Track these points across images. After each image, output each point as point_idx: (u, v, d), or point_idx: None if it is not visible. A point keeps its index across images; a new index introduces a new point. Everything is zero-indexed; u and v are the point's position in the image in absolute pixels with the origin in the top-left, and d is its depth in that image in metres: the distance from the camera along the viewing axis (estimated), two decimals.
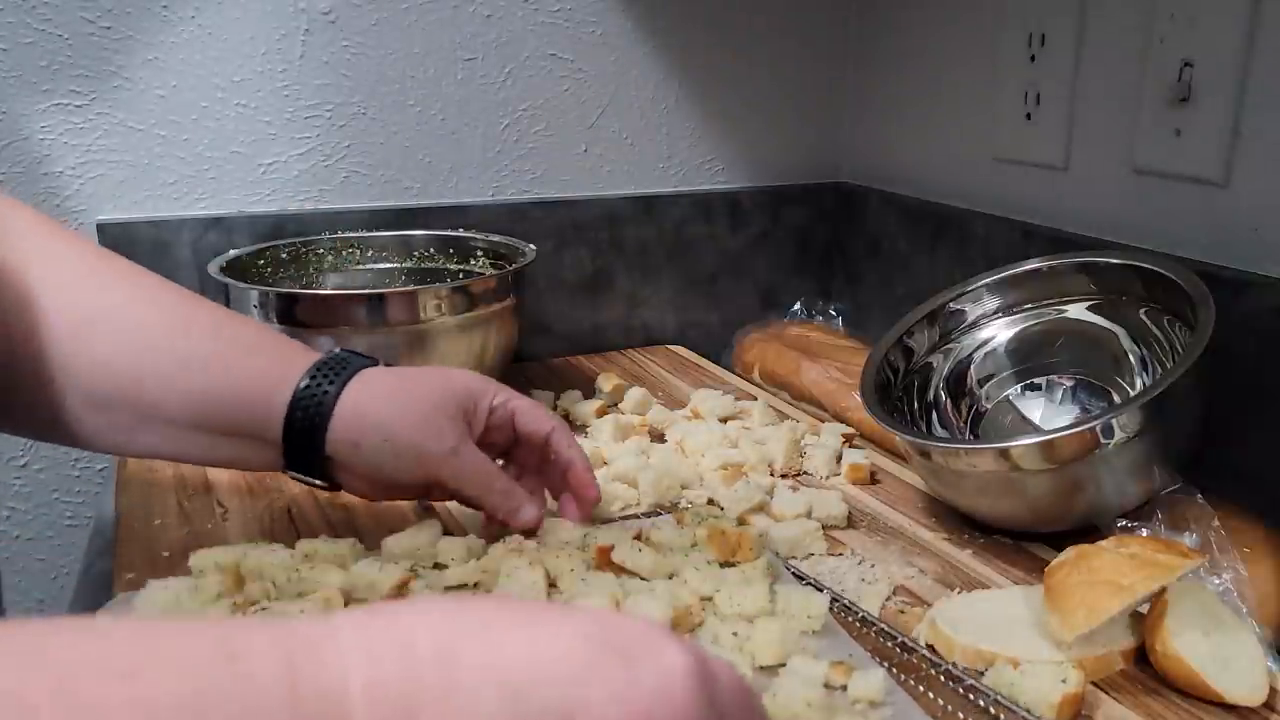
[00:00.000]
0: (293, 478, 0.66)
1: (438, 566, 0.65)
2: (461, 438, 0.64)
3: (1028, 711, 0.54)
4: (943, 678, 0.57)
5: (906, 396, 0.86)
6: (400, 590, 0.59)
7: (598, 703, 0.31)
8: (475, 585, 0.62)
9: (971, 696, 0.56)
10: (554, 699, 0.31)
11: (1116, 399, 0.80)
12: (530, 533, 0.67)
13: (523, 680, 0.31)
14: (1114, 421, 0.66)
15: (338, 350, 0.67)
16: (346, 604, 0.59)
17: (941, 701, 0.55)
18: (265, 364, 0.64)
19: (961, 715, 0.54)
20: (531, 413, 0.70)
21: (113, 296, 0.63)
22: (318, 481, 0.66)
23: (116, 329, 0.62)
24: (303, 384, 0.63)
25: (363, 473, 0.65)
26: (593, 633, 0.33)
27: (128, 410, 0.62)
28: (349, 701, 0.29)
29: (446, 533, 0.69)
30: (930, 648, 0.60)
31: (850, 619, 0.63)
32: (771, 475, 0.84)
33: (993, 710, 0.54)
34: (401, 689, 0.30)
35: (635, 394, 0.96)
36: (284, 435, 0.63)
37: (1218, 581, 0.62)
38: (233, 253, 0.94)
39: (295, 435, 0.63)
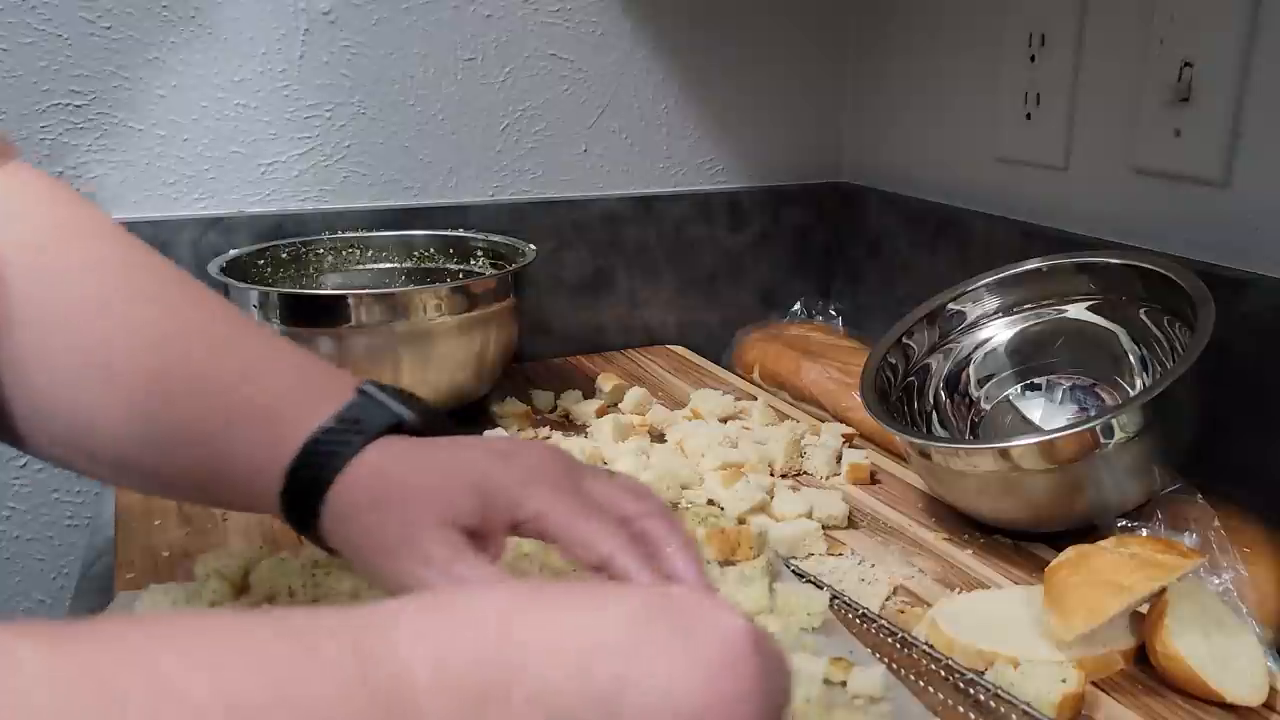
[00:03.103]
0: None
1: None
2: (454, 557, 0.45)
3: (1028, 705, 0.54)
4: (942, 673, 0.57)
5: (906, 396, 0.86)
6: None
7: (662, 672, 0.31)
8: None
9: (971, 691, 0.56)
10: (618, 671, 0.31)
11: (1116, 399, 0.80)
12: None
13: (585, 655, 0.32)
14: (1114, 421, 0.66)
15: (359, 393, 0.52)
16: None
17: (941, 696, 0.55)
18: (259, 435, 0.50)
19: (961, 710, 0.54)
20: (570, 536, 0.46)
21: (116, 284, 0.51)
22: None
23: (80, 354, 0.50)
24: (296, 465, 0.49)
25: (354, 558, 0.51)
26: (652, 604, 0.33)
27: (86, 459, 0.52)
28: (417, 686, 0.30)
29: None
30: (930, 645, 0.60)
31: (850, 616, 0.63)
32: (771, 475, 0.83)
33: (992, 704, 0.54)
34: (467, 671, 0.30)
35: (635, 394, 0.96)
36: (282, 512, 0.50)
37: (1218, 581, 0.62)
38: (233, 253, 0.94)
39: (290, 517, 0.50)
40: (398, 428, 0.51)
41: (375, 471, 0.48)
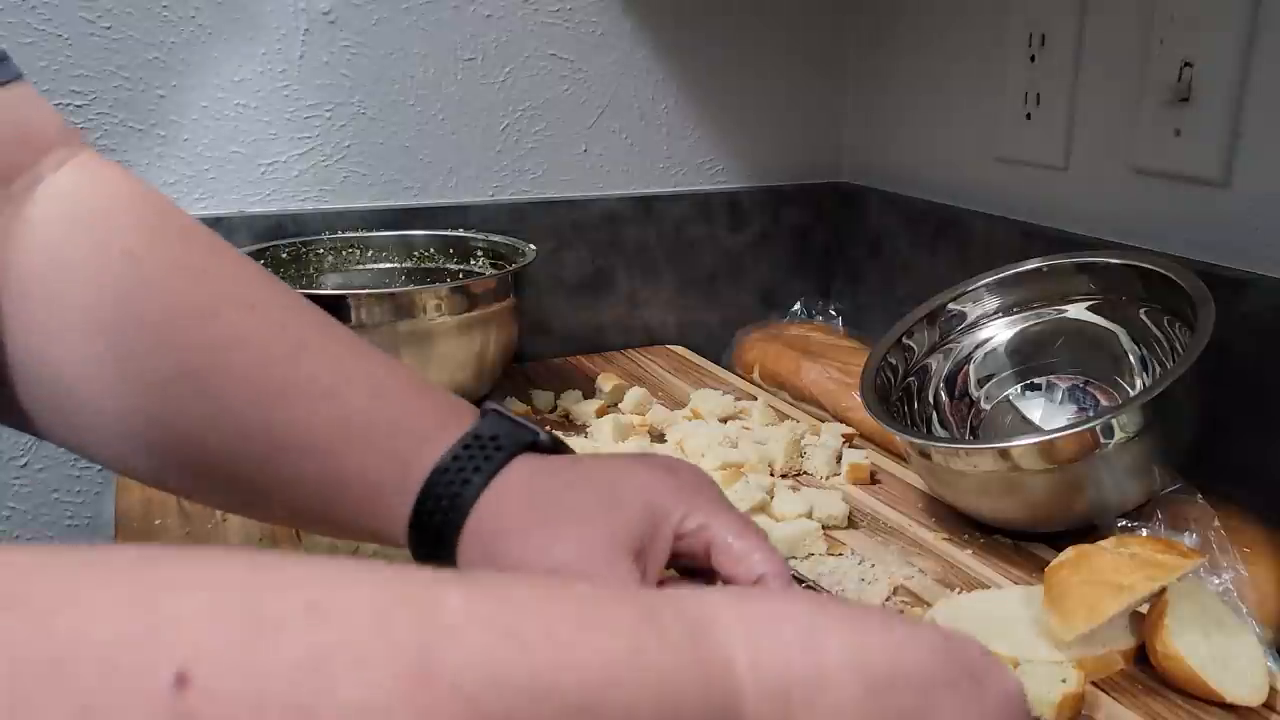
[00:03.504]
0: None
1: None
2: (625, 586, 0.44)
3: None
4: None
5: (906, 396, 0.86)
6: None
7: (949, 710, 0.33)
8: None
9: None
10: (909, 699, 0.32)
11: (1116, 399, 0.80)
12: None
13: (883, 677, 0.32)
14: (1114, 421, 0.66)
15: (487, 415, 0.50)
16: None
17: None
18: (384, 448, 0.48)
19: None
20: (733, 549, 0.47)
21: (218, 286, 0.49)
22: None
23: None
24: (433, 479, 0.47)
25: None
26: (945, 644, 0.34)
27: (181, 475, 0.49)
28: (738, 676, 0.30)
29: None
30: None
31: None
32: (771, 475, 0.83)
33: None
34: (776, 671, 0.31)
35: (635, 394, 0.96)
36: (411, 532, 0.48)
37: (1218, 581, 0.62)
38: None
39: (422, 547, 0.48)
40: (533, 447, 0.49)
41: (532, 488, 0.47)
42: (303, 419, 0.47)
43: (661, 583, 0.48)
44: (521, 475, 0.47)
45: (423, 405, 0.50)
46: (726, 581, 0.48)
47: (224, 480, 0.49)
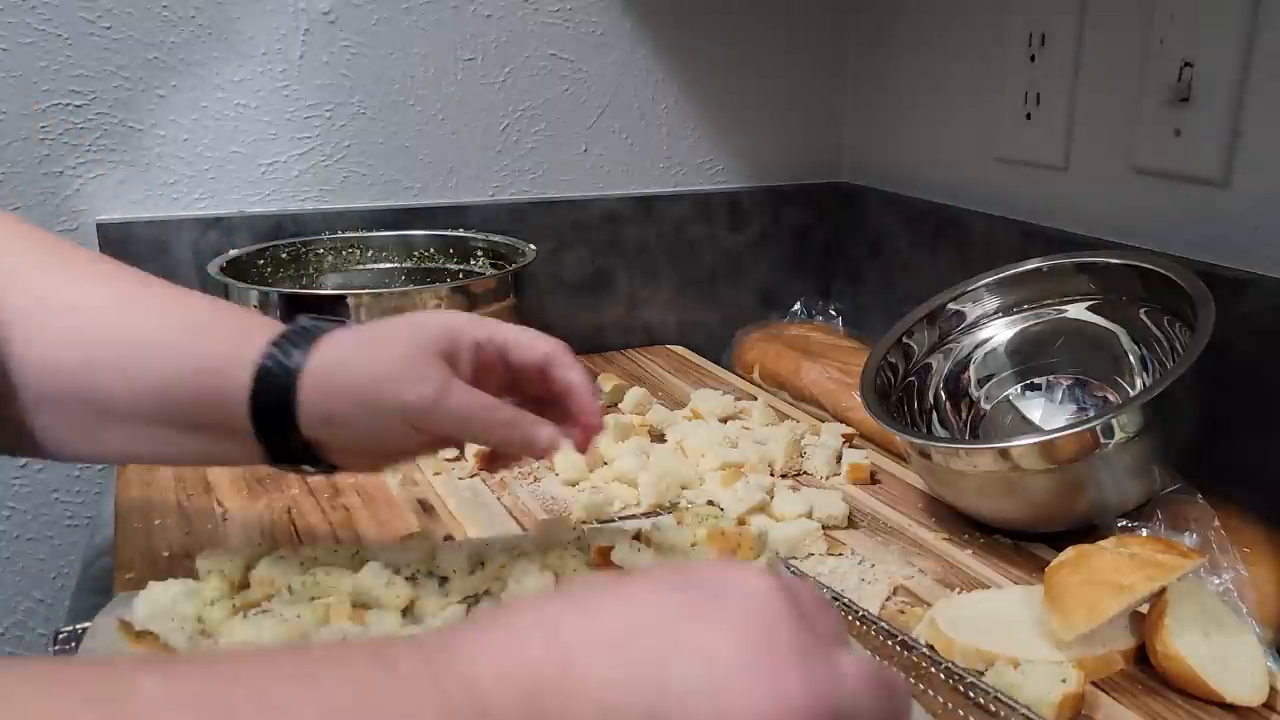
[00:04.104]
0: (282, 469, 0.60)
1: (442, 580, 0.64)
2: (446, 379, 0.56)
3: (1027, 708, 0.53)
4: (943, 675, 0.57)
5: (906, 396, 0.86)
6: (407, 610, 0.59)
7: (700, 642, 0.33)
8: (486, 593, 0.61)
9: (971, 694, 0.56)
10: (654, 644, 0.33)
11: (1117, 399, 0.80)
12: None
13: (621, 636, 0.34)
14: (1114, 421, 0.66)
15: (303, 319, 0.60)
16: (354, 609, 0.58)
17: (942, 699, 0.55)
18: (221, 343, 0.57)
19: (962, 713, 0.54)
20: (523, 340, 0.60)
21: (56, 276, 0.57)
22: (309, 468, 0.60)
23: (62, 312, 0.56)
24: (262, 360, 0.56)
25: (350, 447, 0.58)
26: (676, 580, 0.36)
27: (80, 407, 0.57)
28: (483, 687, 0.32)
29: (447, 536, 0.69)
30: (930, 647, 0.60)
31: (850, 617, 0.63)
32: (772, 475, 0.83)
33: (993, 708, 0.54)
34: (525, 673, 0.33)
35: (635, 394, 0.96)
36: (253, 422, 0.56)
37: (1218, 581, 0.62)
38: (233, 253, 0.94)
39: (263, 420, 0.56)
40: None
41: (345, 340, 0.57)
42: (157, 325, 0.58)
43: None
44: (339, 334, 0.58)
45: (251, 313, 0.63)
46: (522, 371, 0.60)
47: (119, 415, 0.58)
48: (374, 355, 0.56)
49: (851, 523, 0.77)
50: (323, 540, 0.71)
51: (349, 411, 0.56)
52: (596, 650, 0.33)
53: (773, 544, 0.70)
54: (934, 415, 0.86)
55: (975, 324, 0.88)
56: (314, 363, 0.55)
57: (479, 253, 1.02)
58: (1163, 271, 0.76)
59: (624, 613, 0.34)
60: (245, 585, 0.62)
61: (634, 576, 0.37)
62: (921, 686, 0.56)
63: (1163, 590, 0.58)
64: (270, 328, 0.58)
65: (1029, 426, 0.83)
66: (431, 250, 1.03)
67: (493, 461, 0.68)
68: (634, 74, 1.14)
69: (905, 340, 0.87)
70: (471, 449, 0.84)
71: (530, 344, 0.60)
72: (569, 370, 0.60)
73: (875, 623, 0.62)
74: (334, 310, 0.83)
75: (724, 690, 0.32)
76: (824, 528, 0.74)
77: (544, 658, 0.33)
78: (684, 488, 0.80)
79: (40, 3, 0.90)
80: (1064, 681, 0.54)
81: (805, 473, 0.86)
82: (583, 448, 0.61)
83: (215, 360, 0.56)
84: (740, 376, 1.11)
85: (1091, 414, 0.79)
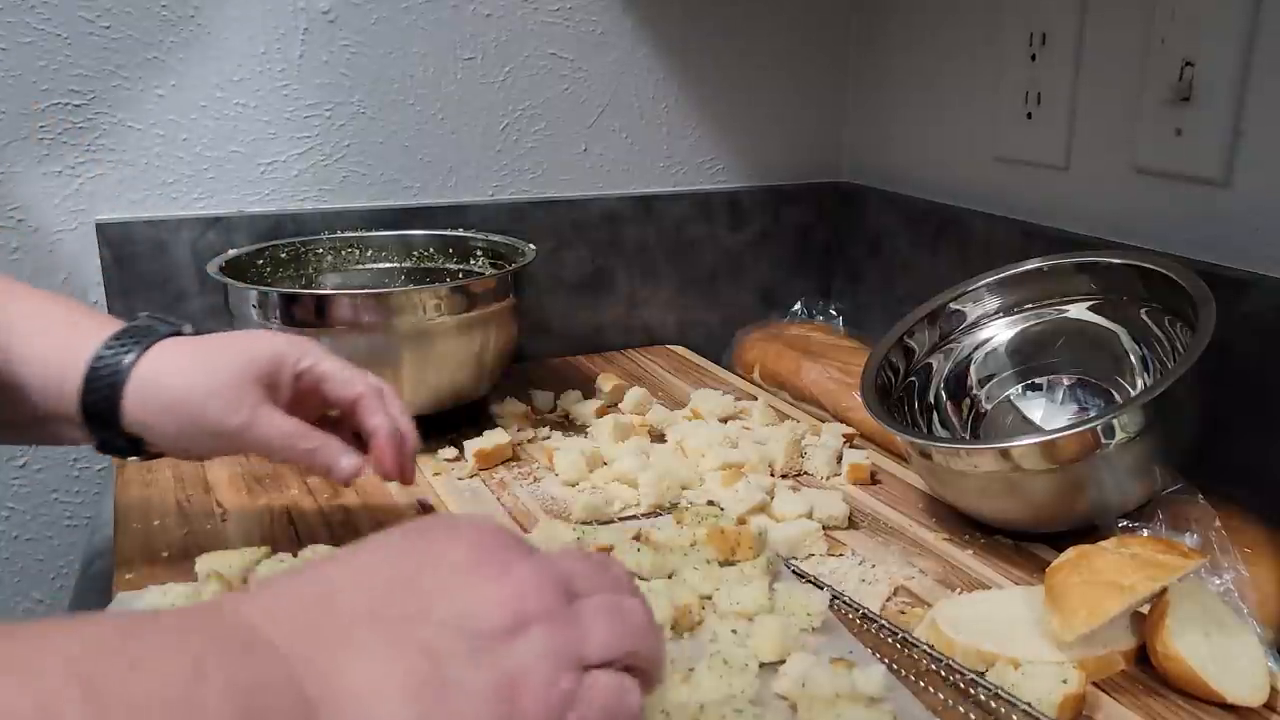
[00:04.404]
0: (107, 453, 0.64)
1: None
2: (257, 406, 0.61)
3: (1028, 705, 0.53)
4: (943, 673, 0.57)
5: (907, 396, 0.86)
6: None
7: (438, 551, 0.39)
8: None
9: (972, 692, 0.55)
10: (407, 564, 0.38)
11: (1117, 399, 0.80)
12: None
13: (376, 564, 0.38)
14: (1115, 421, 0.66)
15: (142, 317, 0.63)
16: None
17: (942, 696, 0.55)
18: (55, 343, 0.60)
19: (962, 710, 0.54)
20: (339, 377, 0.65)
21: None
22: (135, 458, 0.64)
23: None
24: (93, 362, 0.59)
25: (171, 447, 0.63)
26: (417, 526, 0.41)
27: None
28: (254, 622, 0.35)
29: None
30: (931, 646, 0.60)
31: (850, 616, 0.63)
32: (772, 475, 0.83)
33: (993, 705, 0.54)
34: (290, 604, 0.36)
35: (635, 394, 0.95)
36: (82, 416, 0.60)
37: (1219, 582, 0.62)
38: (232, 252, 0.94)
39: (92, 416, 0.60)
40: (179, 335, 0.63)
41: (178, 350, 0.61)
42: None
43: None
44: (171, 344, 0.61)
45: (86, 312, 0.64)
46: (337, 405, 0.65)
47: None
48: (193, 375, 0.60)
49: (852, 523, 0.76)
50: (322, 541, 0.71)
51: (165, 423, 0.60)
52: (357, 578, 0.38)
53: (773, 544, 0.70)
54: (934, 415, 0.86)
55: (976, 324, 0.87)
56: (139, 370, 0.60)
57: (479, 252, 1.02)
58: (1164, 271, 0.76)
59: (376, 551, 0.39)
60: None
61: (394, 534, 0.40)
62: (922, 684, 0.56)
63: (1164, 591, 0.58)
64: (104, 326, 0.61)
65: (1030, 427, 0.83)
66: (431, 250, 1.03)
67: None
68: (634, 73, 1.13)
69: (906, 340, 0.87)
70: (471, 449, 0.84)
71: (346, 382, 0.65)
72: (372, 416, 0.65)
73: (876, 622, 0.62)
74: (332, 310, 0.83)
75: (465, 584, 0.37)
76: (824, 528, 0.74)
77: (308, 591, 0.37)
78: (684, 488, 0.80)
79: (40, 2, 0.89)
80: (1065, 682, 0.54)
81: (805, 473, 0.86)
82: (389, 477, 0.66)
83: (48, 362, 0.60)
84: (740, 376, 1.11)
85: (1092, 414, 0.79)
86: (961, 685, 0.56)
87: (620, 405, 0.96)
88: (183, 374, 0.60)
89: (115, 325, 0.62)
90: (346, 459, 0.63)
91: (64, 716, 0.27)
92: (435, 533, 0.40)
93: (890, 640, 0.60)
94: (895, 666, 0.58)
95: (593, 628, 0.38)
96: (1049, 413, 0.84)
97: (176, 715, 0.29)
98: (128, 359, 0.59)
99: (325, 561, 0.39)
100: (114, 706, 0.28)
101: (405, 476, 0.66)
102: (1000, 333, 0.87)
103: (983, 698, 0.55)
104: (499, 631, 0.37)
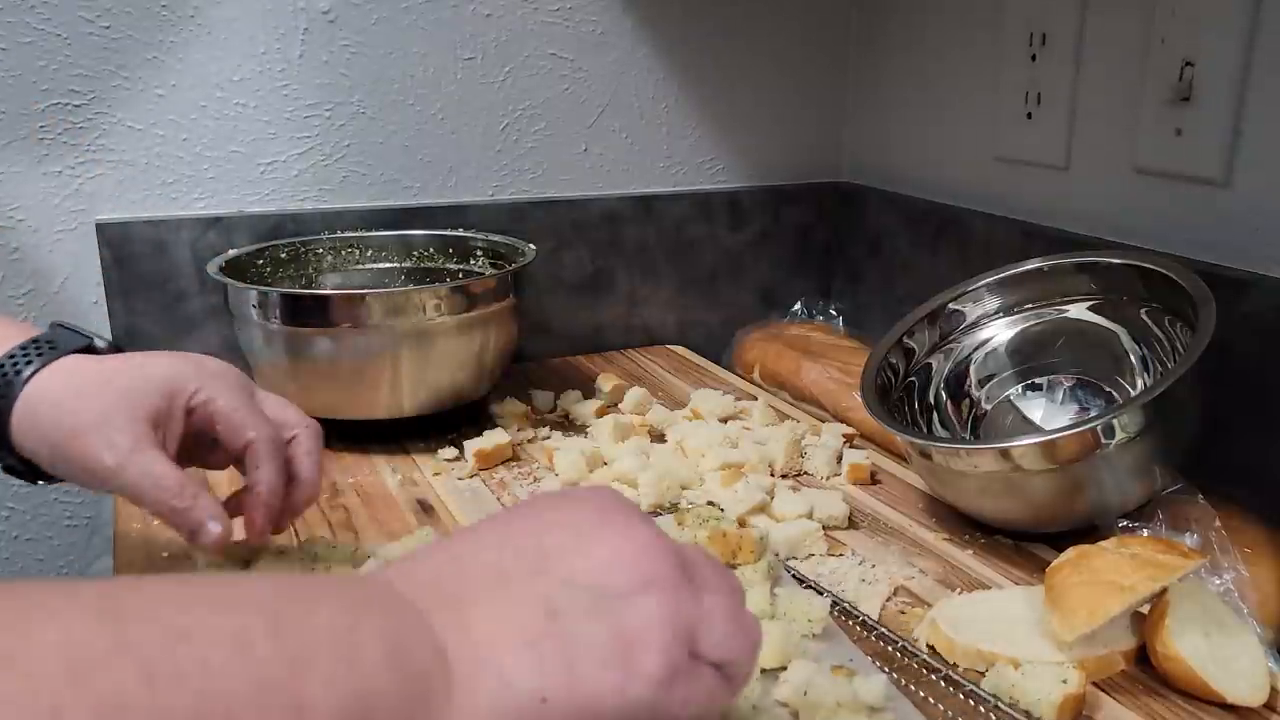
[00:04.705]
0: (11, 476, 0.60)
1: None
2: (134, 447, 0.54)
3: (1027, 713, 0.53)
4: (943, 683, 0.57)
5: (907, 397, 0.86)
6: None
7: (561, 515, 0.41)
8: None
9: (973, 702, 0.55)
10: (530, 527, 0.40)
11: (1117, 399, 0.80)
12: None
13: (503, 534, 0.41)
14: (1115, 421, 0.66)
15: (51, 327, 0.60)
16: None
17: (942, 707, 0.55)
18: None
19: None
20: (231, 420, 0.59)
21: None
22: (39, 482, 0.60)
23: None
24: None
25: (59, 475, 0.58)
26: (539, 499, 0.43)
27: None
28: (396, 588, 0.38)
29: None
30: (931, 649, 0.60)
31: (851, 623, 0.62)
32: (772, 475, 0.83)
33: (994, 716, 0.54)
34: (421, 571, 0.39)
35: (635, 394, 0.95)
36: None
37: (1219, 582, 0.62)
38: (232, 252, 0.94)
39: None
40: (90, 350, 0.59)
41: (74, 370, 0.57)
42: None
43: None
44: (70, 364, 0.57)
45: (6, 321, 0.60)
46: (225, 446, 0.60)
47: None
48: (75, 404, 0.56)
49: (852, 523, 0.76)
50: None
51: (43, 452, 0.56)
52: (485, 543, 0.40)
53: (773, 544, 0.70)
54: (934, 415, 0.86)
55: (976, 324, 0.87)
56: (28, 390, 0.56)
57: (478, 252, 1.02)
58: (1164, 271, 0.76)
59: (502, 521, 0.42)
60: None
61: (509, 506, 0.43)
62: (923, 694, 0.56)
63: (1164, 591, 0.58)
64: (20, 335, 0.58)
65: (1030, 427, 0.83)
66: (431, 250, 1.03)
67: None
68: (634, 73, 1.13)
69: (906, 340, 0.87)
70: (471, 449, 0.84)
71: (237, 427, 0.59)
72: (255, 468, 0.59)
73: (876, 628, 0.62)
74: (332, 310, 0.83)
75: (589, 542, 0.39)
76: (824, 528, 0.74)
77: (440, 557, 0.40)
78: (684, 488, 0.80)
79: (40, 2, 0.89)
80: (1065, 682, 0.54)
81: (805, 473, 0.86)
82: (254, 541, 0.61)
83: None
84: (740, 376, 1.11)
85: (1092, 414, 0.79)
86: (963, 695, 0.56)
87: (620, 405, 0.96)
88: (64, 403, 0.56)
89: (28, 334, 0.58)
90: (214, 524, 0.56)
91: (255, 644, 0.31)
92: (560, 500, 0.42)
93: (891, 648, 0.60)
94: (896, 675, 0.58)
95: (714, 619, 0.39)
96: (1049, 413, 0.84)
97: (341, 647, 0.33)
98: (26, 372, 0.56)
99: (457, 534, 0.42)
100: (292, 636, 0.32)
101: (278, 528, 0.62)
102: (1000, 333, 0.87)
103: (983, 709, 0.55)
104: (621, 588, 0.38)
